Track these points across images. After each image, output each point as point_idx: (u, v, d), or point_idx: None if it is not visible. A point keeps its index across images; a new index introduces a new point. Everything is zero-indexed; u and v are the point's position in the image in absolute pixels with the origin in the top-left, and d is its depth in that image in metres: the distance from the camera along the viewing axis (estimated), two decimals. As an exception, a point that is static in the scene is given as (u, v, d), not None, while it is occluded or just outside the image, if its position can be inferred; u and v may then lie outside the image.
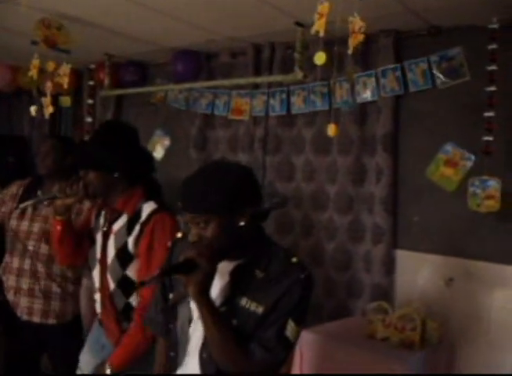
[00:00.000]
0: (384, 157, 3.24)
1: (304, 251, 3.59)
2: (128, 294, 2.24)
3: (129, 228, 2.23)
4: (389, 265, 3.26)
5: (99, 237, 2.33)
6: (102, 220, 2.36)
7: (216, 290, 1.70)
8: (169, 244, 1.95)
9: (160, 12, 3.14)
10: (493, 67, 2.79)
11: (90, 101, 4.82)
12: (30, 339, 3.03)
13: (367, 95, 3.30)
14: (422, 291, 3.20)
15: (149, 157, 2.46)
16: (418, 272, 3.23)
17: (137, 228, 2.21)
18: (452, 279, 3.12)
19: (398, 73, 3.19)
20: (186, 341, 1.78)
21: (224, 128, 4.00)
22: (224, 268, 1.70)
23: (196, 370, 1.74)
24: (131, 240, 2.21)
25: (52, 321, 2.97)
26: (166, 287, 1.88)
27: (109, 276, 2.25)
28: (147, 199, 2.28)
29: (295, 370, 2.96)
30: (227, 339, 1.62)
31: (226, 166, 1.75)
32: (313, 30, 2.26)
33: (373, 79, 3.26)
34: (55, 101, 4.38)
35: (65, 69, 3.99)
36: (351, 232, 3.41)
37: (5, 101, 5.57)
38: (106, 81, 4.24)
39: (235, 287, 1.70)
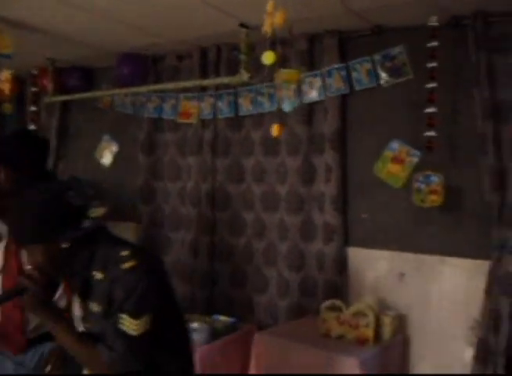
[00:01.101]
0: (332, 155, 3.27)
1: (257, 252, 3.60)
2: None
3: None
4: (341, 263, 3.29)
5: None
6: None
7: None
8: None
9: (102, 16, 3.08)
10: (433, 64, 2.85)
11: (33, 108, 4.69)
12: None
13: (313, 95, 3.33)
14: (374, 286, 3.25)
15: None
16: (370, 269, 3.28)
17: None
18: (403, 274, 3.18)
19: (344, 72, 3.23)
20: None
21: (172, 132, 3.96)
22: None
23: None
24: None
25: None
26: None
27: None
28: None
29: (252, 371, 2.96)
30: (76, 345, 1.71)
31: (32, 195, 1.76)
32: (263, 30, 2.25)
33: (319, 79, 3.29)
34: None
35: (6, 75, 3.88)
36: (302, 231, 3.42)
37: None
38: (50, 87, 4.13)
39: (84, 292, 1.77)
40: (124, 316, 1.64)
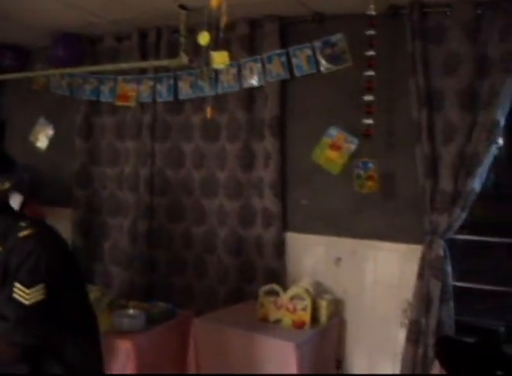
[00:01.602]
0: (271, 141, 3.28)
1: (196, 238, 3.58)
2: None
3: None
4: (280, 248, 3.32)
5: None
6: None
7: None
8: None
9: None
10: (371, 53, 2.89)
11: (-37, 88, 4.48)
12: None
13: (253, 80, 3.32)
14: (312, 271, 3.30)
15: None
16: (308, 254, 3.32)
17: None
18: (340, 258, 3.23)
19: (284, 58, 3.23)
20: None
21: (110, 115, 3.87)
22: None
23: None
24: None
25: None
26: None
27: None
28: None
29: (190, 358, 2.95)
30: None
31: None
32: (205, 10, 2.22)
33: (259, 64, 3.28)
34: None
35: None
36: (242, 217, 3.43)
37: None
38: (-19, 67, 3.95)
39: None
40: (17, 284, 1.62)
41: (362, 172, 2.98)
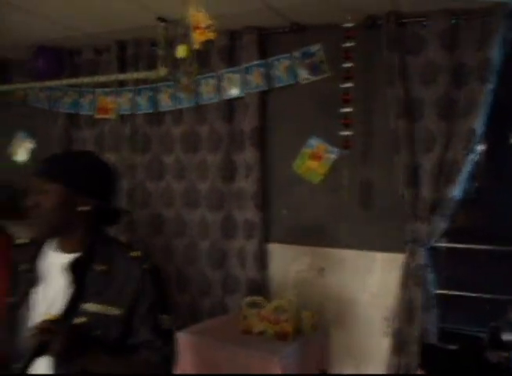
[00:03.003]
0: (252, 152, 3.27)
1: (177, 251, 3.55)
2: None
3: None
4: (262, 260, 3.31)
5: None
6: None
7: (53, 291, 1.61)
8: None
9: (16, 7, 2.94)
10: (348, 65, 2.91)
11: None
12: None
13: (233, 91, 3.32)
14: (295, 282, 3.29)
15: None
16: (290, 264, 3.31)
17: None
18: (323, 268, 3.23)
19: (263, 69, 3.23)
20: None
21: (90, 128, 3.84)
22: (59, 261, 1.62)
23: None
24: None
25: None
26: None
27: None
28: None
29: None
30: (116, 365, 1.57)
31: (97, 156, 1.75)
32: (182, 24, 2.22)
33: (238, 75, 3.28)
34: None
35: None
36: (223, 229, 3.41)
37: None
38: (-43, 80, 3.91)
39: (77, 286, 1.59)
40: (161, 315, 1.62)
41: (344, 182, 2.99)
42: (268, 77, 3.23)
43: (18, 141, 4.28)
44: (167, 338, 1.64)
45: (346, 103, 2.92)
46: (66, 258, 1.62)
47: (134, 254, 1.65)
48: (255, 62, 3.24)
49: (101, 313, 1.58)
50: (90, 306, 1.58)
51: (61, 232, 1.63)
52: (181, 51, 2.27)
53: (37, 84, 3.83)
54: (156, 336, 1.60)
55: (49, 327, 1.45)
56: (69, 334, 1.46)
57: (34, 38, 3.60)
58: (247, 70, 3.26)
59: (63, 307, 1.56)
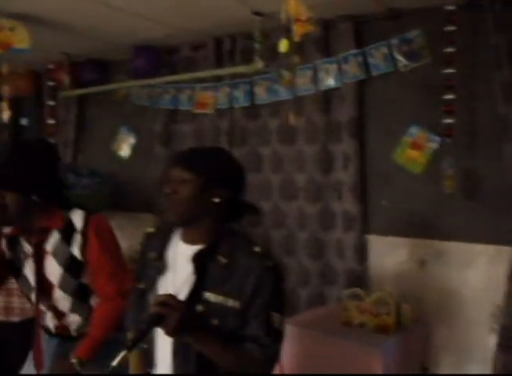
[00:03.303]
0: (350, 143, 3.23)
1: (275, 242, 3.58)
2: (86, 299, 2.22)
3: (67, 240, 2.15)
4: (361, 251, 3.27)
5: (28, 265, 2.21)
6: (24, 247, 2.21)
7: (180, 279, 1.66)
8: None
9: (116, 9, 3.08)
10: (451, 49, 2.79)
11: (51, 102, 4.72)
12: None
13: (330, 82, 3.29)
14: (395, 274, 3.22)
15: (59, 172, 2.28)
16: (390, 257, 3.25)
17: (77, 237, 2.14)
18: (424, 261, 3.14)
19: (360, 58, 3.18)
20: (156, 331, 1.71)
21: (188, 123, 3.96)
22: (185, 251, 1.68)
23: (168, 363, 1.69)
24: (76, 250, 2.14)
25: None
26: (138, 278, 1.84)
27: (59, 292, 2.19)
28: (66, 208, 2.19)
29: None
30: (223, 351, 1.60)
31: (228, 151, 1.87)
32: (282, 18, 2.24)
33: (335, 66, 3.25)
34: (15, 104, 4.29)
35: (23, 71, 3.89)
36: (321, 220, 3.40)
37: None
38: (66, 81, 4.16)
39: (199, 276, 1.65)
40: (274, 313, 1.63)
41: (446, 172, 2.88)
42: (365, 66, 3.17)
43: (121, 137, 4.49)
44: (275, 337, 1.64)
45: (448, 89, 2.81)
46: (193, 248, 1.68)
47: (257, 249, 1.67)
48: (352, 51, 3.19)
49: (220, 304, 1.62)
50: (210, 296, 1.63)
51: (192, 221, 1.68)
52: (283, 45, 2.27)
53: (138, 83, 4.01)
54: (264, 333, 1.61)
55: (169, 301, 1.51)
56: (185, 314, 1.51)
57: (134, 39, 3.76)
58: (344, 60, 3.22)
59: (186, 295, 1.63)
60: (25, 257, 2.20)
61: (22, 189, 2.04)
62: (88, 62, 4.35)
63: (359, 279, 3.25)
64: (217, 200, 1.66)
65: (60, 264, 2.15)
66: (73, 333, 2.27)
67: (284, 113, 3.45)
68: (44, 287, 2.19)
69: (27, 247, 2.20)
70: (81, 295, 2.21)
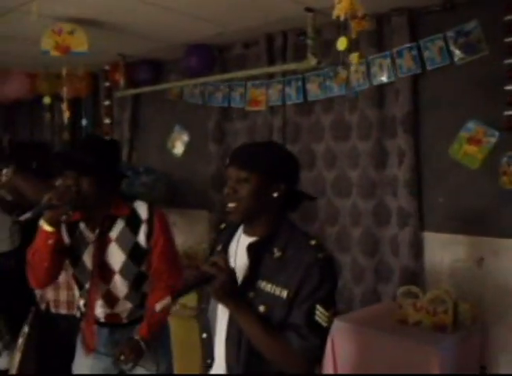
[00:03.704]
0: (404, 138, 3.18)
1: (330, 238, 3.57)
2: (141, 287, 2.32)
3: (132, 229, 2.27)
4: (417, 248, 3.21)
5: (87, 252, 2.29)
6: (85, 234, 2.30)
7: (238, 268, 1.70)
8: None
9: (167, 9, 3.13)
10: (511, 39, 2.71)
11: (107, 102, 4.85)
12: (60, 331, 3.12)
13: (383, 77, 3.25)
14: (451, 272, 3.15)
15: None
16: (446, 254, 3.18)
17: (143, 226, 2.26)
18: (482, 258, 3.06)
19: (415, 52, 3.12)
20: (215, 320, 1.79)
21: (241, 120, 3.99)
22: (244, 242, 1.74)
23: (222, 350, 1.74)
24: (141, 238, 2.26)
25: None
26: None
27: (119, 279, 2.28)
28: (129, 200, 2.33)
29: (327, 359, 2.95)
30: (262, 332, 1.62)
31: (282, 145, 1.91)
32: (334, 15, 2.23)
33: (389, 60, 3.20)
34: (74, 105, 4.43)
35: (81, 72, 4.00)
36: (376, 216, 3.37)
37: (24, 108, 5.63)
38: (122, 82, 4.26)
39: (254, 266, 1.69)
40: (319, 306, 1.61)
41: (507, 167, 2.80)
42: (420, 60, 3.11)
43: (175, 135, 4.57)
44: (316, 331, 1.61)
45: (510, 79, 2.72)
46: (250, 240, 1.74)
47: (312, 242, 1.68)
48: (406, 45, 3.14)
49: (269, 293, 1.65)
50: (262, 284, 1.66)
51: (254, 216, 1.73)
52: (341, 43, 2.26)
53: (191, 82, 4.07)
54: (305, 323, 1.60)
55: (220, 262, 1.60)
56: (233, 279, 1.60)
57: (186, 38, 3.81)
58: (398, 54, 3.16)
59: (240, 281, 1.67)
60: (85, 244, 2.29)
61: (98, 175, 2.18)
62: (143, 62, 4.44)
63: (414, 276, 3.19)
64: (275, 194, 1.69)
65: (124, 251, 2.26)
66: (125, 320, 2.35)
67: (338, 109, 3.43)
68: (103, 274, 2.28)
69: (88, 234, 2.29)
70: (137, 283, 2.31)
